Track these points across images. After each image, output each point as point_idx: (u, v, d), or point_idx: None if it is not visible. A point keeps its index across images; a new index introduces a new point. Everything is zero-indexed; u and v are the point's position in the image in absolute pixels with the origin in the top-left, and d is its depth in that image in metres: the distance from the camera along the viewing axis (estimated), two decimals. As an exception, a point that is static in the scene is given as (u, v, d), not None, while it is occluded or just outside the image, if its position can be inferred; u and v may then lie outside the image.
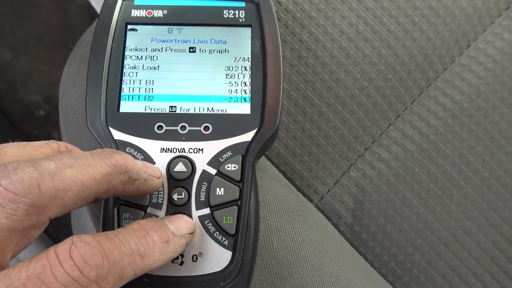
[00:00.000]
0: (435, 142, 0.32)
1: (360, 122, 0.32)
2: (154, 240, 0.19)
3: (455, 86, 0.33)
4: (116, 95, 0.26)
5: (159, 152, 0.25)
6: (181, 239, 0.21)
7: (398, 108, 0.33)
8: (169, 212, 0.24)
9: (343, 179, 0.32)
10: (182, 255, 0.23)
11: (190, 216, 0.24)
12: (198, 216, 0.24)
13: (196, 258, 0.23)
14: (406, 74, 0.33)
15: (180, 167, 0.24)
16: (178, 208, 0.24)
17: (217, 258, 0.23)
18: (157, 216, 0.24)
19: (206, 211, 0.24)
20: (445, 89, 0.33)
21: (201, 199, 0.24)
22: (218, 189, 0.24)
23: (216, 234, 0.24)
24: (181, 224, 0.22)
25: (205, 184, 0.24)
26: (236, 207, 0.24)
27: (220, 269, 0.23)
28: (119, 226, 0.23)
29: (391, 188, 0.32)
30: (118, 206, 0.24)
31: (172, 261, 0.23)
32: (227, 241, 0.24)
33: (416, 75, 0.33)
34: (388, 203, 0.32)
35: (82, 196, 0.18)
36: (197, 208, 0.24)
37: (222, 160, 0.24)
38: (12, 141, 0.21)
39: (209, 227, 0.24)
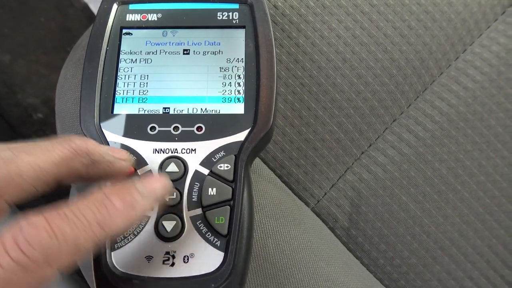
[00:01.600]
0: (431, 146, 0.32)
1: (356, 126, 0.32)
2: (117, 206, 0.18)
3: (451, 90, 0.33)
4: (110, 97, 0.26)
5: (151, 153, 0.25)
6: (149, 199, 0.20)
7: (395, 112, 0.33)
8: (160, 213, 0.24)
9: (339, 182, 0.32)
10: (173, 256, 0.23)
11: (182, 217, 0.24)
12: (190, 217, 0.24)
13: (188, 259, 0.23)
14: (403, 78, 0.33)
15: (172, 168, 0.24)
16: (169, 209, 0.24)
17: (209, 259, 0.23)
18: (148, 217, 0.24)
19: (198, 211, 0.24)
20: (442, 93, 0.33)
21: (193, 200, 0.24)
22: (210, 189, 0.24)
23: (208, 235, 0.23)
24: (151, 183, 0.20)
25: (197, 184, 0.24)
26: (228, 207, 0.24)
27: (212, 270, 0.23)
28: None
29: (388, 192, 0.32)
30: None
31: (163, 262, 0.23)
32: (219, 241, 0.23)
33: (413, 79, 0.33)
34: (384, 207, 0.32)
35: (41, 180, 0.18)
36: (189, 209, 0.24)
37: (214, 160, 0.24)
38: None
39: (201, 228, 0.24)
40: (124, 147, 0.25)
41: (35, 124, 0.79)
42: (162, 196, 0.21)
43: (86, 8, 0.81)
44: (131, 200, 0.19)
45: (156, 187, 0.20)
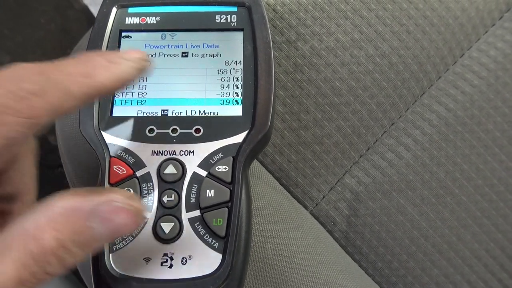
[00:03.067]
0: (429, 149, 0.32)
1: (355, 129, 0.32)
2: (99, 61, 0.19)
3: (449, 94, 0.33)
4: (109, 100, 0.26)
5: (150, 155, 0.25)
6: (130, 62, 0.20)
7: (393, 115, 0.33)
8: (159, 215, 0.24)
9: (338, 186, 0.32)
10: (171, 258, 0.23)
11: (180, 219, 0.24)
12: (188, 219, 0.24)
13: (186, 261, 0.23)
14: (401, 82, 0.33)
15: (170, 169, 0.24)
16: (167, 210, 0.24)
17: (207, 261, 0.23)
18: (147, 219, 0.24)
19: (196, 213, 0.24)
20: (439, 97, 0.33)
21: (191, 201, 0.24)
22: (208, 190, 0.24)
23: (206, 237, 0.24)
24: (129, 51, 0.21)
25: (195, 186, 0.24)
26: (226, 209, 0.24)
27: (210, 272, 0.23)
28: None
29: (386, 195, 0.32)
30: None
31: (161, 264, 0.23)
32: (217, 243, 0.23)
33: (411, 83, 0.33)
34: (382, 210, 0.32)
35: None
36: (187, 210, 0.24)
37: (212, 162, 0.25)
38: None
39: (199, 229, 0.24)
40: (123, 149, 0.25)
41: (34, 126, 0.79)
42: (142, 61, 0.21)
43: (85, 9, 0.81)
44: (111, 58, 0.19)
45: (134, 52, 0.21)
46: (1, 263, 0.16)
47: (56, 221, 0.17)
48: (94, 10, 0.80)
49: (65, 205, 0.17)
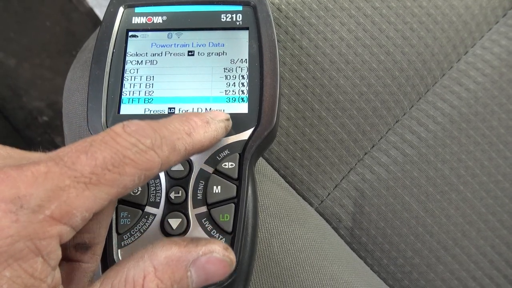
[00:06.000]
0: (434, 146, 0.33)
1: (359, 127, 0.32)
2: (196, 121, 0.21)
3: (453, 91, 0.34)
4: (116, 98, 0.27)
5: None
6: (220, 123, 0.22)
7: (397, 113, 0.33)
8: (167, 211, 0.24)
9: (343, 183, 0.32)
10: None
11: (187, 215, 0.24)
12: (195, 215, 0.24)
13: None
14: (405, 80, 0.33)
15: (177, 166, 0.25)
16: (175, 207, 0.24)
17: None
18: (154, 215, 0.24)
19: (203, 209, 0.24)
20: (444, 95, 0.33)
21: (198, 197, 0.24)
22: (215, 187, 0.24)
23: (213, 232, 0.24)
24: (216, 113, 0.23)
25: (202, 183, 0.24)
26: (233, 205, 0.24)
27: None
28: (117, 225, 0.24)
29: (391, 192, 0.32)
30: (116, 206, 0.24)
31: None
32: (224, 239, 0.24)
33: (415, 81, 0.33)
34: (387, 207, 0.32)
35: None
36: (194, 206, 0.24)
37: (219, 159, 0.25)
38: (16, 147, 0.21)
39: (206, 225, 0.24)
40: None
41: (40, 127, 0.79)
42: (227, 122, 0.23)
43: (91, 12, 0.82)
44: (205, 118, 0.22)
45: (220, 114, 0.23)
46: None
47: (161, 271, 0.18)
48: (99, 13, 0.81)
49: (169, 255, 0.19)
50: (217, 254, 0.19)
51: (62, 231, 0.16)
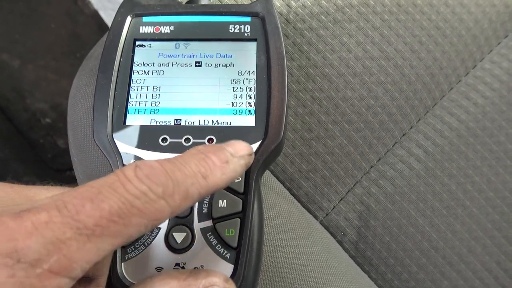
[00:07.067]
0: (440, 161, 0.32)
1: (366, 140, 0.32)
2: (214, 161, 0.19)
3: (461, 105, 0.33)
4: (122, 108, 0.26)
5: None
6: (240, 160, 0.21)
7: (404, 126, 0.33)
8: (171, 224, 0.24)
9: (348, 196, 0.32)
10: (183, 268, 0.23)
11: (192, 229, 0.24)
12: (200, 229, 0.24)
13: None
14: (413, 93, 0.33)
15: None
16: (180, 220, 0.24)
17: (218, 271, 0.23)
18: (158, 229, 0.24)
19: (208, 223, 0.24)
20: (451, 109, 0.33)
21: (203, 211, 0.24)
22: (220, 201, 0.24)
23: (218, 247, 0.23)
24: (238, 146, 0.21)
25: (207, 197, 0.24)
26: (238, 220, 0.24)
27: None
28: None
29: (396, 206, 0.32)
30: None
31: None
32: (229, 254, 0.23)
33: (422, 94, 0.33)
34: (393, 221, 0.32)
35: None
36: (199, 220, 0.24)
37: None
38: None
39: (211, 240, 0.24)
40: (136, 158, 0.25)
41: (43, 129, 0.79)
42: (249, 157, 0.21)
43: (96, 15, 0.82)
44: (224, 157, 0.20)
45: (242, 148, 0.21)
46: None
47: None
48: (104, 15, 0.81)
49: None
50: (218, 287, 0.19)
51: (61, 283, 0.15)
